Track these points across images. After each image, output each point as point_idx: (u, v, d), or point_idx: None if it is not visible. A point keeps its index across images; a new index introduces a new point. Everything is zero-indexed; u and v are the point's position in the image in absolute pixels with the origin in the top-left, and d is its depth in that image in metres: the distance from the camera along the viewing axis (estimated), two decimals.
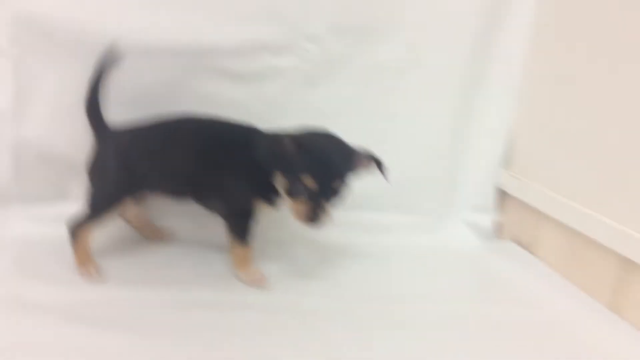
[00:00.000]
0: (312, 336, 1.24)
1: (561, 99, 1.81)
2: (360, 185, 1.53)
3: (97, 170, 1.53)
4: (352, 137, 1.44)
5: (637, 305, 1.42)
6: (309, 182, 1.28)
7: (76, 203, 1.62)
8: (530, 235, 1.90)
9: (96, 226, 1.51)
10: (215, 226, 1.57)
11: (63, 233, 1.50)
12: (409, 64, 1.90)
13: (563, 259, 1.72)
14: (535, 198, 1.86)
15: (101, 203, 1.50)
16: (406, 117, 1.98)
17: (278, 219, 1.57)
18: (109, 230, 1.62)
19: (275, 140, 1.32)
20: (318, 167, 1.28)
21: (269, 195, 1.43)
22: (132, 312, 1.28)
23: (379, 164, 1.41)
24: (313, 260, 1.68)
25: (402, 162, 1.75)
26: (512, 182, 2.00)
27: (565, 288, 1.61)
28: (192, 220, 1.77)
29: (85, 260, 1.47)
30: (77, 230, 1.48)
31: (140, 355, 1.11)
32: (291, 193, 1.33)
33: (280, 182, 1.36)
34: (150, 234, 1.74)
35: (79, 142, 1.66)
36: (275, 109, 1.83)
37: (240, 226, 1.47)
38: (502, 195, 2.06)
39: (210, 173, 1.45)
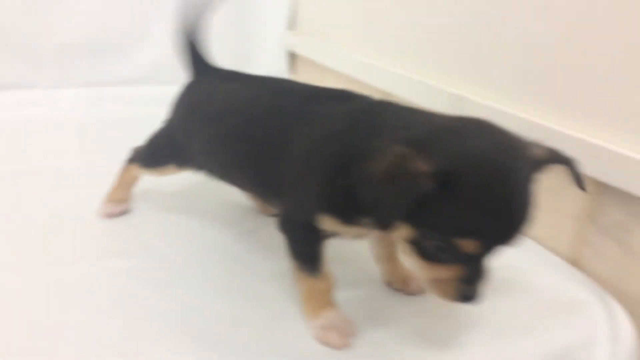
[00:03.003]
0: None
1: None
2: None
3: (169, 115, 1.22)
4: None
5: None
6: (469, 246, 0.70)
7: None
8: None
9: (144, 175, 1.25)
10: None
11: None
12: None
13: None
14: (317, 52, 2.05)
15: (150, 154, 1.23)
16: None
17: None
18: None
19: (398, 162, 0.69)
20: (487, 221, 0.69)
21: (348, 211, 0.82)
22: None
23: (572, 166, 0.78)
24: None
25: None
26: (299, 42, 2.16)
27: None
28: None
29: (116, 196, 1.24)
30: (126, 164, 1.25)
31: None
32: (426, 254, 0.74)
33: (402, 231, 0.74)
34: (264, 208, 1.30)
35: None
36: None
37: (297, 243, 0.92)
38: (292, 57, 2.22)
39: (262, 159, 0.97)
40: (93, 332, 0.85)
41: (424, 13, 1.50)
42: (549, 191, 1.10)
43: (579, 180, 0.78)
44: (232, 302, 0.95)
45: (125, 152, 1.21)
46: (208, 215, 1.25)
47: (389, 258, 1.01)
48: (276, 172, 0.93)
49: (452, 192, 0.66)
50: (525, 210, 0.70)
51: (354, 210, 0.78)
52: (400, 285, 1.01)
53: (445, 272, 0.74)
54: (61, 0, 1.90)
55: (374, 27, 1.72)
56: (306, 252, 0.90)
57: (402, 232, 0.74)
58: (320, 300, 0.89)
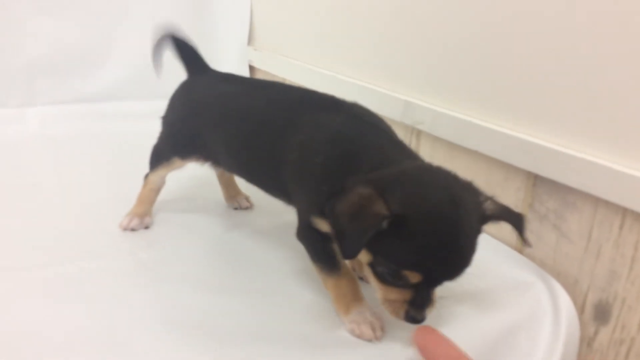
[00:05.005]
0: None
1: None
2: None
3: (168, 112, 1.29)
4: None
5: None
6: (414, 277, 0.82)
7: None
8: None
9: (157, 178, 1.29)
10: None
11: None
12: None
13: None
14: (273, 65, 2.16)
15: (153, 156, 1.29)
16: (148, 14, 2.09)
17: None
18: None
19: (362, 202, 0.80)
20: (432, 259, 0.80)
21: None
22: None
23: (519, 224, 0.90)
24: None
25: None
26: (257, 56, 2.26)
27: None
28: None
29: (136, 211, 1.27)
30: (145, 178, 1.30)
31: None
32: (381, 277, 0.86)
33: (362, 255, 0.86)
34: (230, 198, 1.43)
35: None
36: None
37: (312, 246, 1.01)
38: (252, 70, 2.31)
39: (271, 164, 1.07)
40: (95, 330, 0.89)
41: (371, 27, 1.60)
42: (492, 185, 1.23)
43: (523, 236, 0.89)
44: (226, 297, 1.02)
45: (97, 167, 1.24)
46: (209, 215, 1.33)
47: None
48: (277, 175, 1.04)
49: (402, 232, 0.78)
50: (463, 256, 0.81)
51: None
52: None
53: (396, 294, 0.85)
54: (25, 21, 1.92)
55: (326, 40, 1.83)
56: (321, 254, 0.98)
57: (362, 256, 0.85)
58: (348, 296, 0.95)
